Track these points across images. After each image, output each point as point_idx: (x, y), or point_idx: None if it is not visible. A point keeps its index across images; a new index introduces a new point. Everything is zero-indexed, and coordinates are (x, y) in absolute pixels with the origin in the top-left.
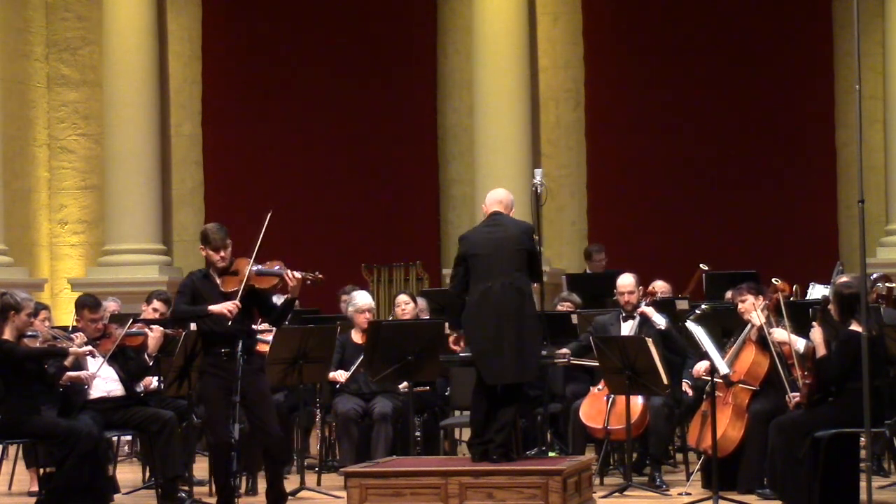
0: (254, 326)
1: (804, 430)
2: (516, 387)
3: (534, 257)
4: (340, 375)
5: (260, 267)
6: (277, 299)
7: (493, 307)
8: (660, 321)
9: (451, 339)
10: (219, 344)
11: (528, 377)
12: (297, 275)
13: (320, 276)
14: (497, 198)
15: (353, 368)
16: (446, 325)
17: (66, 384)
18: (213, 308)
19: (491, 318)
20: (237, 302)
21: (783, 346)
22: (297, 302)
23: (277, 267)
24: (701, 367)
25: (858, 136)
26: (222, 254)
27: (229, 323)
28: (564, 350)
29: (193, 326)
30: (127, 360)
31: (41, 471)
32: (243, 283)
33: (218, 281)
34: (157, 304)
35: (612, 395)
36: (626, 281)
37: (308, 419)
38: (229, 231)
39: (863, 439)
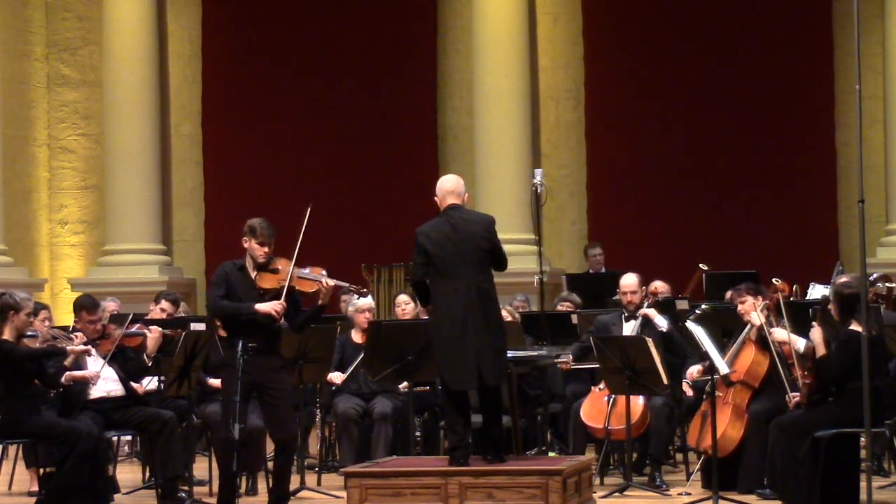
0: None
1: (804, 430)
2: (492, 389)
3: (496, 250)
4: (337, 377)
5: (302, 270)
6: None
7: (458, 310)
8: (662, 323)
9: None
10: (250, 338)
11: (493, 381)
12: (332, 283)
13: (364, 289)
14: (449, 188)
15: (350, 369)
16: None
17: (69, 384)
18: (261, 307)
19: (455, 321)
20: (283, 302)
21: (783, 345)
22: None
23: (320, 274)
24: (694, 369)
25: (858, 136)
26: (266, 249)
27: (277, 323)
28: (566, 357)
29: (195, 326)
30: (126, 361)
31: (41, 471)
32: (286, 283)
33: (254, 276)
34: (164, 304)
35: (613, 396)
36: (629, 281)
37: (308, 419)
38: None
39: (863, 439)
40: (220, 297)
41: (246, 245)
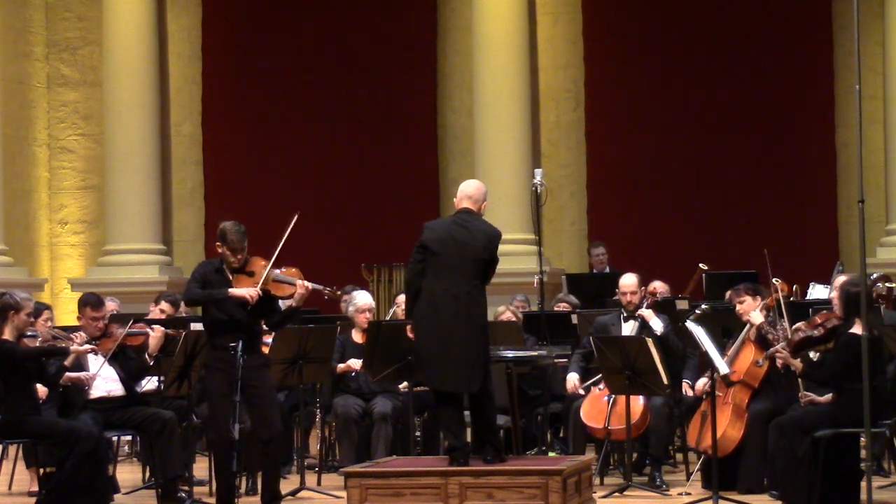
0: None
1: (804, 430)
2: (479, 393)
3: (491, 265)
4: (354, 363)
5: (278, 273)
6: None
7: (445, 313)
8: (657, 326)
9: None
10: (226, 337)
11: (471, 388)
12: (310, 286)
13: (338, 291)
14: (467, 192)
15: (362, 360)
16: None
17: (67, 384)
18: (235, 291)
19: (441, 322)
20: (259, 290)
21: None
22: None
23: (295, 277)
24: (700, 384)
25: (858, 136)
26: (239, 255)
27: (248, 308)
28: (573, 380)
29: (194, 326)
30: (127, 360)
31: (41, 471)
32: (259, 286)
33: (231, 278)
34: (164, 305)
35: (613, 396)
36: (628, 281)
37: (308, 419)
38: (247, 232)
39: (863, 439)
40: (195, 289)
41: (220, 251)
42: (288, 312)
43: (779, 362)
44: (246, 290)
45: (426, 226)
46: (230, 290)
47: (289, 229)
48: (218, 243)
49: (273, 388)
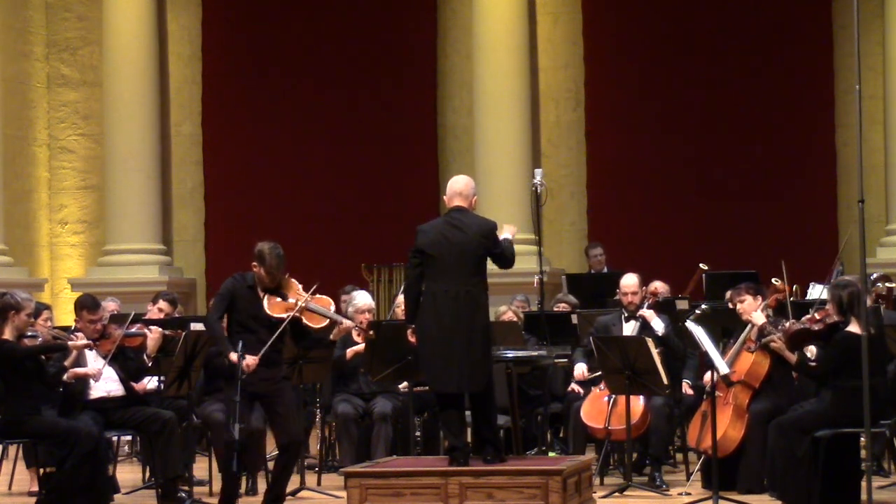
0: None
1: (804, 429)
2: (479, 393)
3: (498, 252)
4: (360, 347)
5: (313, 303)
6: None
7: (446, 314)
8: (658, 327)
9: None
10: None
11: (475, 388)
12: (348, 323)
13: (371, 332)
14: (457, 189)
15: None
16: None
17: (71, 382)
18: (233, 357)
19: (442, 324)
20: (256, 360)
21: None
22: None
23: (331, 309)
24: (706, 377)
25: (858, 136)
26: (275, 279)
27: (243, 376)
28: (580, 370)
29: (194, 326)
30: (126, 361)
31: (41, 471)
32: (290, 315)
33: (262, 296)
34: (162, 304)
35: (613, 396)
36: (630, 281)
37: (308, 419)
38: (285, 257)
39: (863, 439)
40: (217, 319)
41: (255, 270)
42: (321, 343)
43: (773, 345)
44: (244, 362)
45: (419, 229)
46: (231, 355)
47: (311, 291)
48: (254, 263)
49: (294, 400)
